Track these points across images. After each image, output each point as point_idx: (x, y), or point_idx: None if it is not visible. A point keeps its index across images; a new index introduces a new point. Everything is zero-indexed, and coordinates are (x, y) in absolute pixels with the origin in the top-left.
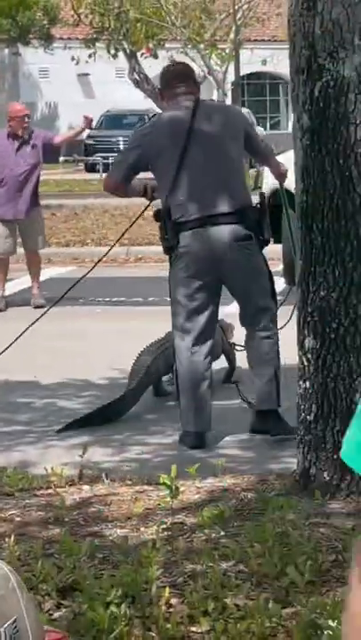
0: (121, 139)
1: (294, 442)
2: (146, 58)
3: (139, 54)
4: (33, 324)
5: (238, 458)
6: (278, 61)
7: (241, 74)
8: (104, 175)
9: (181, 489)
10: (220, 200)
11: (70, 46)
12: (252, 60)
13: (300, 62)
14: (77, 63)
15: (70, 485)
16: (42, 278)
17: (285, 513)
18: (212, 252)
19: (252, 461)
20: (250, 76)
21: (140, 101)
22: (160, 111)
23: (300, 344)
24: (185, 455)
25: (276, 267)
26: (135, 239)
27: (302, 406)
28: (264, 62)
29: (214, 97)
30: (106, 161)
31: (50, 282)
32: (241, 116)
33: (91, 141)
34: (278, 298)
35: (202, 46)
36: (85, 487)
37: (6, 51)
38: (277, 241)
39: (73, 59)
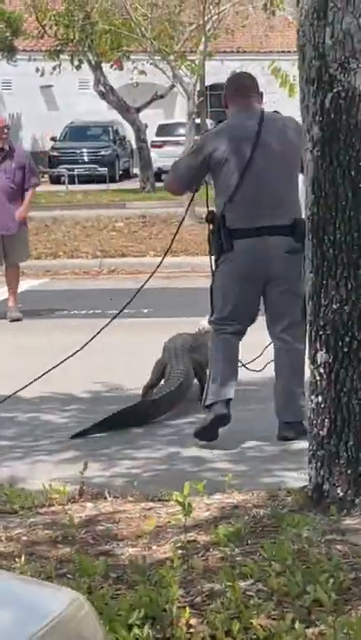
0: (85, 150)
1: (285, 455)
2: (115, 70)
3: (107, 66)
4: (93, 337)
5: (230, 471)
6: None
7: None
8: (70, 187)
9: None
10: (278, 212)
11: (34, 58)
12: (222, 71)
13: (310, 73)
14: (42, 75)
15: (72, 502)
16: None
17: (301, 530)
18: (262, 261)
19: (245, 475)
20: (213, 87)
21: (103, 113)
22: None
23: (312, 358)
24: (175, 470)
25: None
26: (108, 251)
27: (314, 421)
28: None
29: (184, 108)
30: (71, 172)
31: (24, 294)
32: (300, 129)
33: (55, 153)
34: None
35: (172, 57)
36: (89, 504)
37: None
38: None
39: (37, 70)
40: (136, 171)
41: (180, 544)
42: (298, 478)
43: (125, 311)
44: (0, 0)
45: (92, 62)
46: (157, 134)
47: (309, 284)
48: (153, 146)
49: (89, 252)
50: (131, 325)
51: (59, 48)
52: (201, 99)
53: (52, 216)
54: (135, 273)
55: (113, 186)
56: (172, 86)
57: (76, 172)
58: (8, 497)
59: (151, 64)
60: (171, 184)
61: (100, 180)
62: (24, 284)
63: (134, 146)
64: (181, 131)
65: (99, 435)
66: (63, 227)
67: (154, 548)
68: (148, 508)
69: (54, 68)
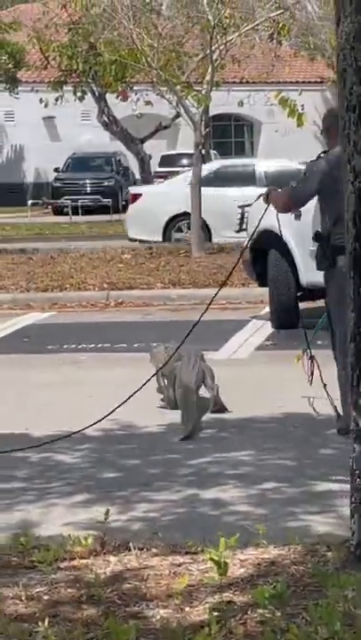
0: (88, 181)
1: (306, 497)
2: (122, 101)
3: (112, 97)
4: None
5: (252, 515)
6: (255, 102)
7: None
8: (73, 218)
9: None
10: None
11: (37, 89)
12: (229, 102)
13: (350, 99)
14: (46, 106)
15: (95, 556)
16: (23, 324)
17: (346, 590)
18: None
19: (268, 519)
20: (215, 117)
21: (105, 143)
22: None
23: (355, 404)
24: (195, 514)
25: (263, 310)
26: (115, 283)
27: (357, 471)
28: (241, 104)
29: (188, 139)
30: (75, 204)
31: (31, 328)
32: None
33: (58, 184)
34: (267, 342)
35: (178, 87)
36: (112, 558)
37: None
38: (263, 284)
39: (41, 101)
40: None
41: (215, 605)
42: (324, 523)
43: (134, 345)
44: (4, 31)
45: (96, 93)
46: (160, 165)
47: (351, 324)
48: (156, 176)
49: (96, 284)
50: (139, 360)
51: (62, 79)
52: (208, 129)
53: (58, 247)
54: (143, 305)
55: (116, 216)
56: (176, 117)
57: (80, 203)
58: (24, 547)
59: (158, 94)
60: (286, 204)
61: (103, 210)
62: (30, 318)
63: (137, 176)
64: (185, 161)
65: (113, 475)
66: (69, 259)
67: (187, 609)
68: (177, 564)
69: (57, 99)
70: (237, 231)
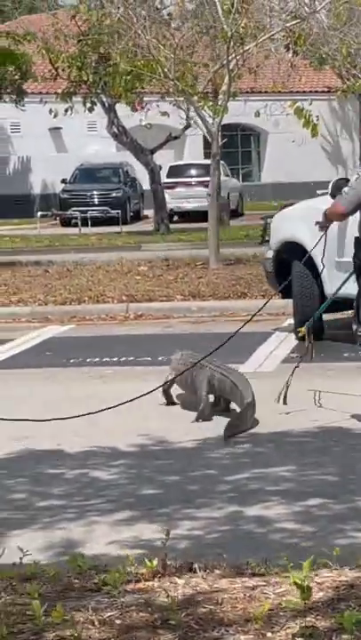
0: (95, 192)
1: (353, 513)
2: (134, 111)
3: (124, 108)
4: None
5: (299, 533)
6: (271, 112)
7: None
8: (83, 229)
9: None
10: None
11: (46, 100)
12: (245, 112)
13: None
14: (55, 116)
15: (159, 577)
16: (43, 337)
17: None
18: None
19: (316, 537)
20: (222, 127)
21: (112, 155)
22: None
23: None
24: (241, 531)
25: (285, 322)
26: (134, 295)
27: None
28: (257, 114)
29: (195, 149)
30: (84, 215)
31: (51, 341)
32: None
33: (65, 195)
34: (292, 355)
35: (195, 98)
36: (179, 580)
37: None
38: (288, 296)
39: (51, 112)
40: (146, 212)
41: (299, 631)
42: None
43: (159, 358)
44: (18, 42)
45: (106, 104)
46: (169, 176)
47: None
48: (165, 187)
49: (114, 296)
50: (165, 373)
51: (71, 90)
52: (225, 140)
53: (73, 260)
54: (163, 318)
55: (125, 228)
56: (187, 127)
57: (88, 215)
58: (81, 568)
59: (173, 105)
60: (336, 211)
61: (110, 222)
62: (49, 331)
63: (144, 187)
64: (193, 172)
65: (153, 491)
66: (85, 271)
67: (268, 634)
68: (250, 587)
69: (67, 110)
70: (260, 243)
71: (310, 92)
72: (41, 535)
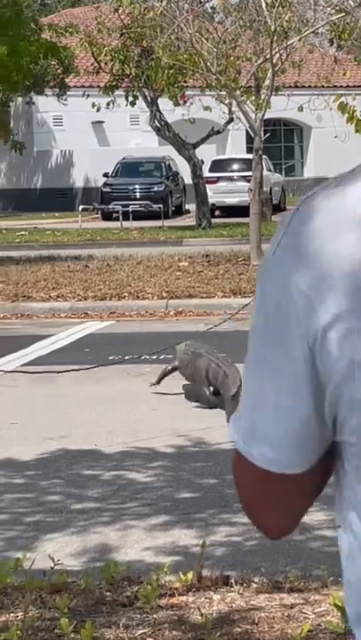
0: (137, 186)
1: None
2: (181, 105)
3: (165, 101)
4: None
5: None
6: (315, 107)
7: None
8: (124, 224)
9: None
10: None
11: (88, 94)
12: (289, 106)
13: None
14: (98, 110)
15: (194, 592)
16: (82, 333)
17: None
18: None
19: None
20: (264, 122)
21: (154, 149)
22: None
23: None
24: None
25: None
26: (174, 292)
27: None
28: (301, 109)
29: (238, 144)
30: (125, 209)
31: (91, 337)
32: None
33: (107, 189)
34: None
35: (238, 93)
36: (215, 596)
37: (20, 99)
38: None
39: (94, 105)
40: (188, 207)
41: None
42: None
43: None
44: (60, 35)
45: (148, 98)
46: (211, 170)
47: None
48: (207, 182)
49: (154, 292)
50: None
51: (114, 83)
52: (267, 134)
53: (113, 255)
54: (203, 315)
55: (167, 222)
56: (229, 122)
57: (130, 209)
58: (113, 579)
59: (216, 99)
60: None
61: (152, 216)
62: (89, 327)
63: (186, 181)
64: (235, 166)
65: (190, 495)
66: (126, 266)
67: None
68: (288, 605)
69: (109, 104)
70: None
71: (354, 86)
72: (75, 540)
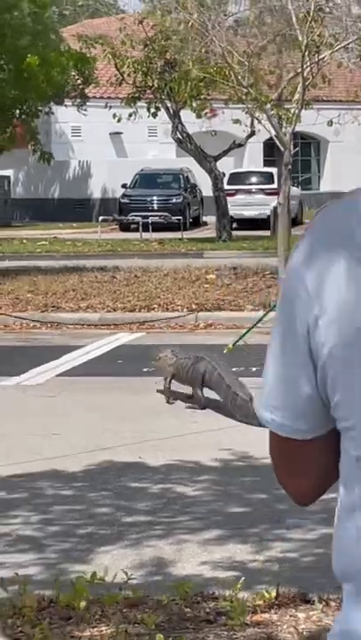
0: (156, 198)
1: None
2: (210, 118)
3: (187, 114)
4: None
5: None
6: (344, 122)
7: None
8: (143, 235)
9: None
10: None
11: (111, 105)
12: (318, 120)
13: None
14: (119, 121)
15: (276, 609)
16: (114, 344)
17: None
18: None
19: None
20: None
21: (171, 160)
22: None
23: None
24: None
25: None
26: (203, 304)
27: None
28: (330, 123)
29: (259, 157)
30: (145, 220)
31: (122, 349)
32: None
33: (126, 200)
34: None
35: (268, 106)
36: (300, 615)
37: (23, 107)
38: None
39: (115, 116)
40: (206, 219)
41: None
42: None
43: (233, 369)
44: (90, 46)
45: (171, 110)
46: (229, 183)
47: None
48: (226, 194)
49: (184, 304)
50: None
51: (136, 95)
52: (297, 149)
53: (139, 266)
54: (233, 328)
55: (185, 234)
56: (251, 135)
57: (150, 220)
58: (187, 594)
59: (246, 112)
60: None
61: (170, 227)
62: (119, 338)
63: (204, 193)
64: (253, 179)
65: (240, 509)
66: (153, 278)
67: None
68: None
69: (130, 115)
70: None
71: None
72: (130, 553)
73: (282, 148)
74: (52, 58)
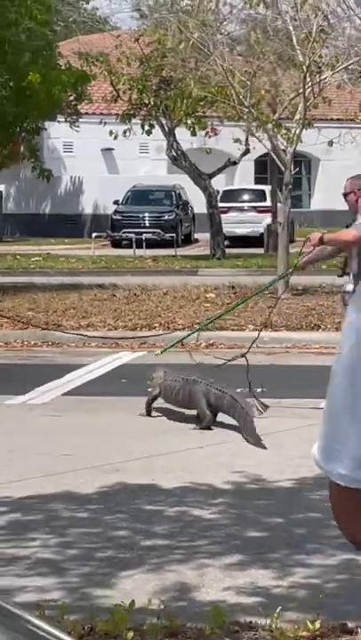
0: (148, 214)
1: None
2: (211, 137)
3: (182, 131)
4: None
5: None
6: (345, 142)
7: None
8: (138, 251)
9: None
10: None
11: (105, 121)
12: (319, 140)
13: None
14: (115, 137)
15: None
16: (116, 363)
17: None
18: None
19: None
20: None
21: (162, 177)
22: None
23: None
24: (360, 581)
25: None
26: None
27: None
28: (330, 143)
29: (250, 175)
30: (139, 237)
31: (124, 368)
32: None
33: (118, 217)
34: None
35: (270, 126)
36: None
37: (24, 124)
38: None
39: (111, 133)
40: (197, 236)
41: None
42: None
43: (238, 389)
44: (91, 64)
45: (166, 127)
46: (221, 200)
47: None
48: (220, 212)
49: (185, 323)
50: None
51: (131, 112)
52: (297, 169)
53: (137, 283)
54: (235, 347)
55: (178, 251)
56: (245, 153)
57: (143, 237)
58: (224, 623)
59: (245, 131)
60: (356, 239)
61: (162, 244)
62: (122, 357)
63: (196, 210)
64: (245, 197)
65: (258, 534)
66: (153, 296)
67: None
68: None
69: (125, 132)
70: (340, 275)
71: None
72: (152, 577)
73: (282, 168)
74: (52, 75)
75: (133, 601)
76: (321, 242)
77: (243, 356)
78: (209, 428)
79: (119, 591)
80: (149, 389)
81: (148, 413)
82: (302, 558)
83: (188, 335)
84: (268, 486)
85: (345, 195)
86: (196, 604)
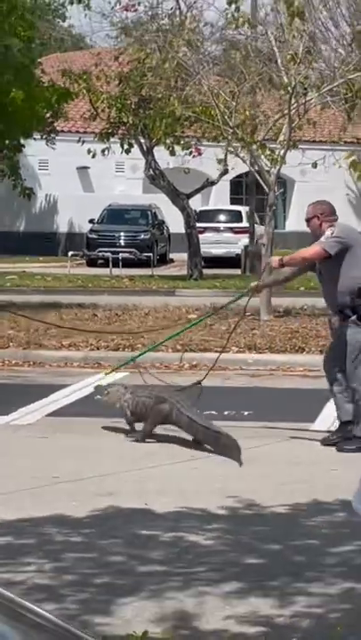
0: (123, 234)
1: None
2: (194, 157)
3: (185, 153)
4: None
5: None
6: (329, 164)
7: (239, 173)
8: (114, 271)
9: None
10: None
11: (84, 140)
12: (303, 161)
13: None
14: (94, 156)
15: None
16: (96, 384)
17: None
18: None
19: None
20: (247, 174)
21: (137, 196)
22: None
23: None
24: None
25: None
26: (188, 345)
27: None
28: (315, 165)
29: (225, 195)
30: (115, 256)
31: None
32: None
33: (94, 235)
34: None
35: (254, 147)
36: None
37: (7, 142)
38: None
39: (89, 152)
40: (173, 256)
41: None
42: None
43: (225, 412)
44: (74, 82)
45: (144, 147)
46: (198, 220)
47: None
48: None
49: (168, 345)
50: (239, 429)
51: (110, 131)
52: (282, 189)
53: (119, 303)
54: (219, 369)
55: (155, 271)
56: (224, 173)
57: (120, 256)
58: None
59: (230, 152)
60: (318, 253)
61: (137, 264)
62: (104, 378)
63: (171, 230)
64: (221, 217)
65: (256, 561)
66: (135, 317)
67: None
68: None
69: (104, 151)
70: None
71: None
72: (151, 605)
73: (266, 189)
74: (36, 92)
75: (146, 632)
76: (282, 264)
77: (198, 383)
78: (137, 441)
79: (118, 619)
80: (99, 399)
81: (133, 431)
82: (303, 587)
83: (139, 355)
84: (262, 512)
85: (308, 220)
86: (199, 633)
